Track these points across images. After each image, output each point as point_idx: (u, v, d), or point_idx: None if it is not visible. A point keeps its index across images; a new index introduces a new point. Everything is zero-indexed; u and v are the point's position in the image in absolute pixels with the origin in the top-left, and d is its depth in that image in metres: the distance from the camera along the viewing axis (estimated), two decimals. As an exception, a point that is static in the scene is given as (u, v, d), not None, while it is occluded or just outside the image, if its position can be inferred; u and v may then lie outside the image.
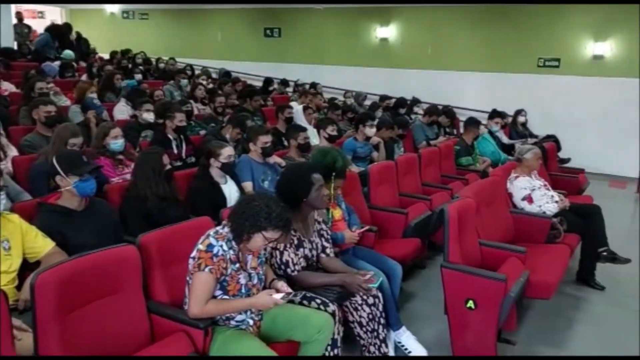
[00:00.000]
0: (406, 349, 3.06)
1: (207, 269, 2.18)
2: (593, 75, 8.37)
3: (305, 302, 2.60)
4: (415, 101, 8.18)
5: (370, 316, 2.85)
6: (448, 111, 6.98)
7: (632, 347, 3.29)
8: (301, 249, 2.78)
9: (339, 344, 2.55)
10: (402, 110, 7.59)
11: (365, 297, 2.82)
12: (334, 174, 3.07)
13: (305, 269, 2.79)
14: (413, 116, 7.37)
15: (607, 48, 8.22)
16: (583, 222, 4.12)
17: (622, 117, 8.14)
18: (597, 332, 3.51)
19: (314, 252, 2.86)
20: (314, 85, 9.08)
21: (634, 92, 7.96)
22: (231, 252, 2.26)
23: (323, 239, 2.92)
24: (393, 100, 8.03)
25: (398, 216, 3.89)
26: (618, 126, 8.19)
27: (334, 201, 3.25)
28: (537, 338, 3.36)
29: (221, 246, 2.23)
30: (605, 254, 4.02)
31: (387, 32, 10.06)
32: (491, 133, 6.45)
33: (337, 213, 3.23)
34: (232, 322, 2.34)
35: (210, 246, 2.21)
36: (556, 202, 4.17)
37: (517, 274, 2.99)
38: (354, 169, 4.57)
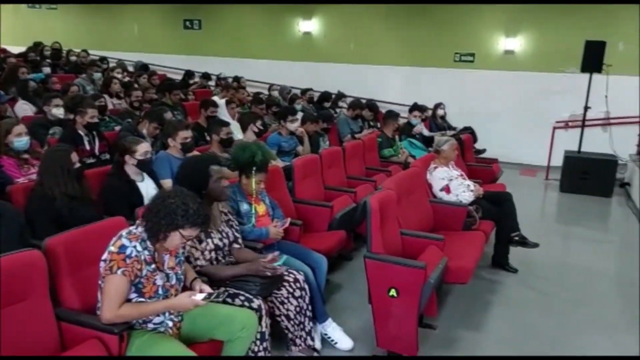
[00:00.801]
0: (332, 341, 3.10)
1: (119, 272, 2.07)
2: (505, 69, 8.83)
3: (229, 299, 2.55)
4: (340, 95, 8.27)
5: (298, 309, 2.86)
6: (371, 105, 7.10)
7: (542, 325, 3.52)
8: (209, 240, 2.73)
9: (266, 337, 2.56)
10: (327, 104, 7.65)
11: (291, 290, 2.83)
12: (254, 168, 3.02)
13: (217, 260, 2.74)
14: (338, 110, 7.44)
15: (517, 44, 8.70)
16: (496, 209, 4.35)
17: (532, 109, 8.65)
18: (510, 314, 3.71)
19: (225, 242, 2.82)
20: (237, 79, 8.92)
21: (541, 85, 8.50)
22: (146, 252, 2.16)
23: (233, 230, 2.88)
24: (318, 94, 8.07)
25: (323, 209, 3.91)
26: (529, 118, 8.70)
27: (257, 196, 3.21)
28: (456, 321, 3.50)
29: (135, 247, 2.12)
30: (516, 238, 4.27)
31: (310, 26, 10.07)
32: (411, 125, 6.66)
33: (261, 208, 3.19)
34: (150, 325, 2.24)
35: (122, 247, 2.10)
36: (472, 190, 4.37)
37: (436, 261, 3.09)
38: (279, 163, 4.54)
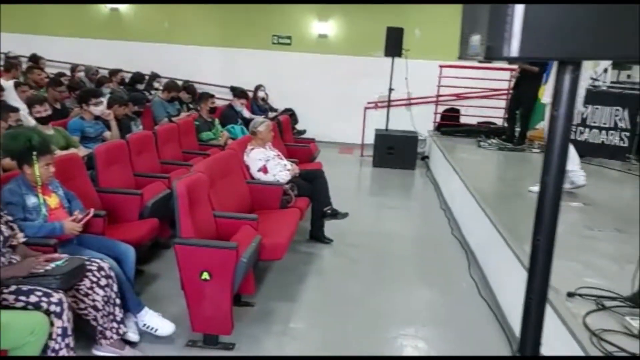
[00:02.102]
0: (152, 329, 2.97)
1: None
2: (320, 52, 9.28)
3: (22, 297, 2.29)
4: (154, 76, 7.87)
5: (105, 298, 2.69)
6: (188, 86, 6.91)
7: (349, 288, 3.82)
8: None
9: (69, 333, 2.38)
10: (141, 86, 7.22)
11: (95, 279, 2.65)
12: (34, 153, 2.71)
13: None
14: (153, 92, 7.08)
15: (329, 28, 9.18)
16: (311, 186, 4.57)
17: (347, 91, 9.25)
18: (323, 281, 3.97)
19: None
20: (35, 58, 7.92)
21: (353, 68, 9.12)
22: None
23: (4, 227, 2.57)
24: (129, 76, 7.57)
25: (132, 197, 3.69)
26: (344, 99, 9.29)
27: (46, 186, 2.89)
28: (273, 295, 3.62)
29: None
30: (329, 212, 4.55)
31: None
32: (236, 111, 6.64)
33: (53, 200, 2.89)
34: None
35: None
36: (288, 170, 4.52)
37: (250, 240, 3.14)
38: (82, 150, 4.16)
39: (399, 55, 7.81)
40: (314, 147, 6.22)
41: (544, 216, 0.78)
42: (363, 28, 9.03)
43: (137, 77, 7.44)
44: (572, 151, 4.91)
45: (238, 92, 6.79)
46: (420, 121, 8.88)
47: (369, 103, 9.09)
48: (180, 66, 9.01)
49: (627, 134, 6.50)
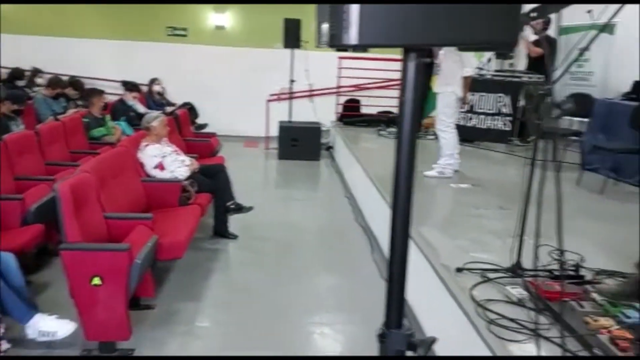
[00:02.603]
0: (50, 334, 2.76)
1: None
2: (218, 44, 9.07)
3: None
4: (36, 72, 7.27)
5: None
6: (75, 82, 6.47)
7: (255, 281, 3.80)
8: None
9: None
10: (21, 83, 6.64)
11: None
12: None
13: None
14: (36, 89, 6.54)
15: (226, 20, 9.00)
16: (212, 181, 4.48)
17: (248, 84, 9.14)
18: (228, 277, 3.93)
19: None
20: None
21: (254, 60, 9.03)
22: None
23: None
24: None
25: (11, 203, 3.40)
26: (246, 92, 9.17)
27: None
28: (177, 296, 3.51)
29: None
30: (232, 206, 4.48)
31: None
32: (127, 105, 6.32)
33: None
34: None
35: None
36: (187, 165, 4.39)
37: (145, 240, 3.01)
38: (-50, 154, 3.75)
39: (298, 46, 7.85)
40: (215, 141, 6.10)
41: (399, 195, 0.81)
42: (261, 20, 8.96)
43: (16, 73, 6.82)
44: (453, 138, 5.25)
45: (129, 86, 6.47)
46: (323, 112, 9.00)
47: (272, 95, 9.06)
48: (66, 61, 8.37)
49: (510, 118, 7.04)
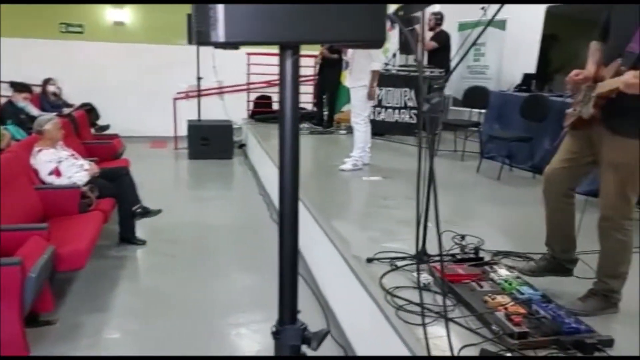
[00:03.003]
0: None
1: None
2: (118, 41, 8.62)
3: None
4: None
5: None
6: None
7: (166, 286, 3.66)
8: None
9: None
10: None
11: None
12: None
13: None
14: None
15: (125, 15, 8.57)
16: (115, 185, 4.25)
17: (153, 82, 8.77)
18: (137, 284, 3.76)
19: None
20: None
21: (158, 57, 8.68)
22: None
23: None
24: None
25: None
26: (151, 90, 8.79)
27: None
28: (81, 308, 3.30)
29: None
30: (138, 210, 4.29)
31: None
32: (17, 107, 5.83)
33: None
34: None
35: None
36: (86, 170, 4.14)
37: (40, 252, 2.79)
38: None
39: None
40: (118, 143, 5.81)
41: (285, 196, 0.80)
42: (163, 15, 8.62)
43: None
44: (368, 132, 5.41)
45: (18, 87, 5.98)
46: (234, 109, 8.88)
47: (179, 93, 8.78)
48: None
49: (415, 112, 7.33)
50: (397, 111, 7.45)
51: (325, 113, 8.16)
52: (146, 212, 4.30)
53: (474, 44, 2.63)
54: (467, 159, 6.08)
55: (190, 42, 7.54)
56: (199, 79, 7.88)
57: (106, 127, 6.98)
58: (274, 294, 3.32)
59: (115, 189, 4.18)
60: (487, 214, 4.25)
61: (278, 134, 0.83)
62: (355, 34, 0.76)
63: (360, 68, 5.20)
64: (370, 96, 5.29)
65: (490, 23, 2.53)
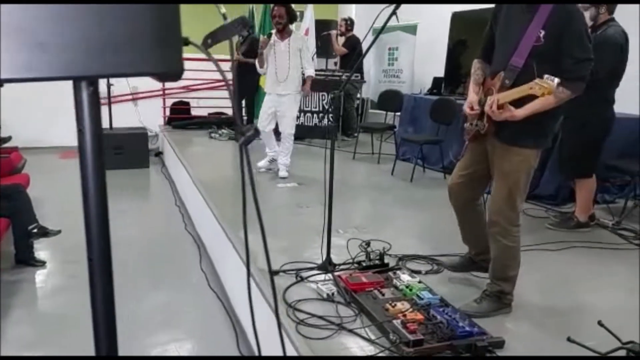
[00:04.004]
0: None
1: None
2: (19, 46, 8.05)
3: None
4: None
5: None
6: None
7: (69, 311, 3.43)
8: None
9: None
10: None
11: None
12: None
13: None
14: None
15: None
16: (9, 204, 3.94)
17: (59, 89, 8.16)
18: (35, 310, 3.49)
19: None
20: None
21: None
22: None
23: None
24: None
25: None
26: (58, 98, 8.22)
27: None
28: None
29: None
30: (35, 230, 3.99)
31: None
32: None
33: None
34: None
35: None
36: (-29, 188, 3.81)
37: None
38: None
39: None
40: (17, 157, 5.40)
41: (92, 233, 0.73)
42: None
43: None
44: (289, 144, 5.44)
45: None
46: (149, 116, 8.55)
47: (88, 101, 8.32)
48: None
49: (333, 115, 7.38)
50: (315, 115, 7.48)
51: (245, 118, 8.05)
52: (44, 232, 4.02)
53: (366, 53, 2.65)
54: (384, 162, 6.20)
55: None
56: (109, 85, 7.51)
57: (7, 139, 6.48)
58: (186, 310, 3.21)
59: (9, 208, 3.87)
60: (398, 217, 4.34)
61: (80, 173, 0.76)
62: (147, 67, 0.70)
63: (295, 75, 5.33)
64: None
65: (381, 30, 2.56)
